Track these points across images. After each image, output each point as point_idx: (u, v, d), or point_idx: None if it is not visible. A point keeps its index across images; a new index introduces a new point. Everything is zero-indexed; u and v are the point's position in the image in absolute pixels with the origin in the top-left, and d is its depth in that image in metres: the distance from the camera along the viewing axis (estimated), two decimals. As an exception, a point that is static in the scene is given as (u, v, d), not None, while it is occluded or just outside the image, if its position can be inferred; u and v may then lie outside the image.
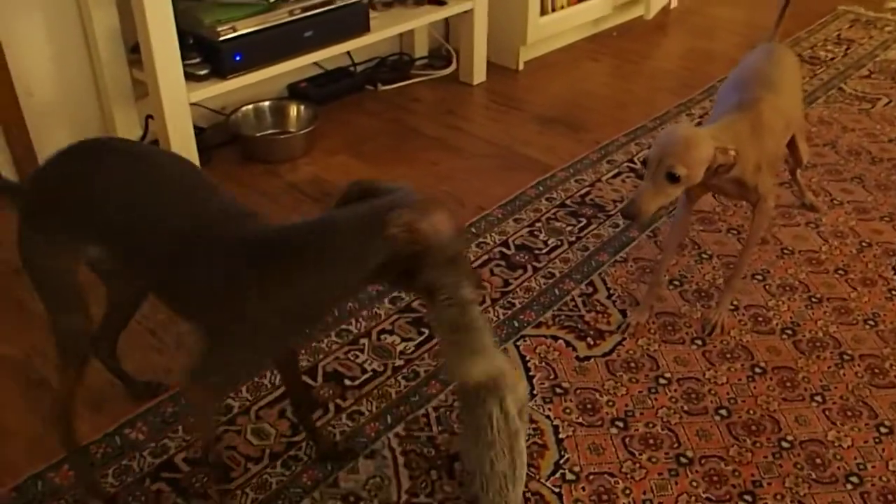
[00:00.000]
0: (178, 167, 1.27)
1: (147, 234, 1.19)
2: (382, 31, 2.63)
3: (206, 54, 2.23)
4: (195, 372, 1.24)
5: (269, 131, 2.61)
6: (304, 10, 2.37)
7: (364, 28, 2.55)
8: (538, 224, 2.19)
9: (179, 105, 2.14)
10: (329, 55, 2.51)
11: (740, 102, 1.74)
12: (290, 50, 2.37)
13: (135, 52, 2.21)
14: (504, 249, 2.08)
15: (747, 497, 1.45)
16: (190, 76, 2.19)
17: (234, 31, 2.22)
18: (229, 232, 1.18)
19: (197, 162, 2.24)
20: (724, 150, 1.54)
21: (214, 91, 2.23)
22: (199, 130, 2.36)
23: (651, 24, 3.66)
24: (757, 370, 1.73)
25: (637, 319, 1.83)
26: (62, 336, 1.31)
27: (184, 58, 2.14)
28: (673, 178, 1.51)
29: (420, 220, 1.06)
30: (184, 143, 2.19)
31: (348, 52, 2.85)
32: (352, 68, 2.99)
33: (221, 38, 2.20)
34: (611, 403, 1.63)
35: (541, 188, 2.36)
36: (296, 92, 2.83)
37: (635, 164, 2.49)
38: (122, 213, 1.19)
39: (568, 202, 2.29)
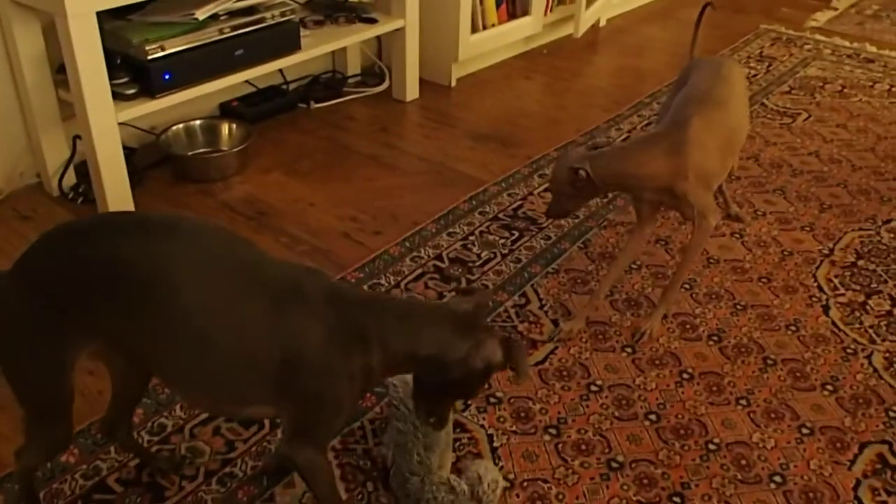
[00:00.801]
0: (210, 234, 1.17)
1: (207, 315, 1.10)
2: (314, 50, 2.64)
3: (134, 74, 2.21)
4: (306, 448, 1.21)
5: (201, 150, 2.59)
6: (234, 28, 2.37)
7: (295, 46, 2.56)
8: (471, 237, 2.21)
9: (107, 125, 2.12)
10: (260, 73, 2.51)
11: (671, 120, 1.81)
12: (221, 68, 2.36)
13: (61, 72, 2.18)
14: (438, 263, 2.10)
15: (676, 499, 1.48)
16: (118, 96, 2.16)
17: (163, 49, 2.21)
18: (296, 300, 1.14)
19: (126, 182, 2.21)
20: (573, 170, 1.76)
21: (143, 111, 2.21)
22: (129, 151, 2.34)
23: (581, 43, 3.74)
24: (685, 376, 1.77)
25: (571, 327, 1.87)
26: (40, 442, 1.22)
27: (112, 77, 2.12)
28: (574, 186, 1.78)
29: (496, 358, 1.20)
30: (113, 164, 2.16)
31: (280, 71, 2.86)
32: (284, 86, 2.99)
33: (150, 58, 2.18)
34: (544, 411, 1.65)
35: (474, 202, 2.39)
36: (228, 111, 2.82)
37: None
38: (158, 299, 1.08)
39: (500, 216, 2.32)
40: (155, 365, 1.18)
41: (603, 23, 4.01)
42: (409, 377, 1.48)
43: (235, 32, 2.38)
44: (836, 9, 4.41)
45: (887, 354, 1.87)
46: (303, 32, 2.64)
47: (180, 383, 1.18)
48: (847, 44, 3.86)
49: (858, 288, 2.09)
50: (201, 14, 2.27)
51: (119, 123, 2.15)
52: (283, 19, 2.49)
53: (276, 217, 2.31)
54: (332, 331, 1.14)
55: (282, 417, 1.24)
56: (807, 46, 3.82)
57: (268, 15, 2.45)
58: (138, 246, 1.09)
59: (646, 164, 1.76)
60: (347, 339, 1.15)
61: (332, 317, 1.14)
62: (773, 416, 1.68)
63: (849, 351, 1.87)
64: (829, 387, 1.76)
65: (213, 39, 2.33)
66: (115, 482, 1.46)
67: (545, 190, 2.47)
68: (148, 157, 2.52)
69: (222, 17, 2.37)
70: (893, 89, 3.36)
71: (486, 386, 1.51)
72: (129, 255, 1.09)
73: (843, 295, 2.06)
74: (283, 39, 2.53)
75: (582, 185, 1.77)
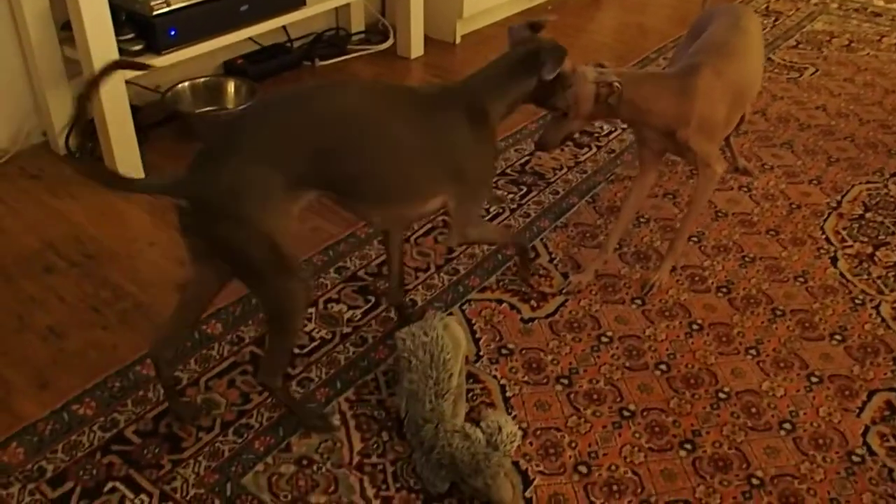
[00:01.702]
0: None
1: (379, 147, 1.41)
2: (318, 6, 2.62)
3: (139, 30, 2.19)
4: (470, 229, 1.60)
5: (208, 108, 2.58)
6: (240, -17, 2.35)
7: (299, 2, 2.54)
8: (480, 193, 2.22)
9: (114, 83, 2.11)
10: (265, 30, 2.49)
11: (684, 66, 1.80)
12: (226, 25, 2.35)
13: (66, 29, 2.17)
14: (447, 217, 2.10)
15: (687, 446, 1.50)
16: (124, 52, 2.15)
17: (168, 5, 2.19)
18: (448, 105, 1.50)
19: (134, 140, 2.21)
20: (607, 84, 1.70)
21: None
22: (134, 109, 2.32)
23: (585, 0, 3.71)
24: (694, 327, 1.79)
25: (580, 280, 1.88)
26: (294, 309, 1.38)
27: (117, 34, 2.11)
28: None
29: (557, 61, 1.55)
30: (120, 122, 2.16)
31: (284, 28, 2.84)
32: (288, 44, 2.97)
33: (155, 13, 2.16)
34: (555, 362, 1.67)
35: (482, 159, 2.39)
36: (232, 69, 2.80)
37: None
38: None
39: (508, 171, 2.32)
40: (359, 195, 1.44)
41: (608, -22, 3.97)
42: (416, 329, 1.53)
43: (240, -13, 2.36)
44: None
45: (895, 304, 1.88)
46: (307, -12, 2.61)
47: (379, 202, 1.47)
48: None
49: (866, 240, 2.10)
50: (206, -31, 2.25)
51: (125, 80, 2.14)
52: (287, -26, 2.47)
53: (284, 174, 2.30)
54: (468, 119, 1.50)
55: (451, 203, 1.54)
56: (813, 1, 3.78)
57: (272, -30, 2.43)
58: (333, 102, 1.39)
59: (652, 99, 1.74)
60: (477, 120, 1.51)
61: (464, 110, 1.50)
62: (781, 365, 1.70)
63: (857, 301, 1.88)
64: (838, 336, 1.78)
65: (218, -5, 2.31)
66: (132, 433, 1.48)
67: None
68: (153, 115, 2.51)
69: (227, -28, 2.34)
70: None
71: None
72: (332, 111, 1.38)
73: (850, 247, 2.07)
74: (287, -6, 2.51)
75: (612, 99, 1.71)
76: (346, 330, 1.73)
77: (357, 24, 3.17)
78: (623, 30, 3.45)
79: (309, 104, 1.36)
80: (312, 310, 1.78)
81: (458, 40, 3.21)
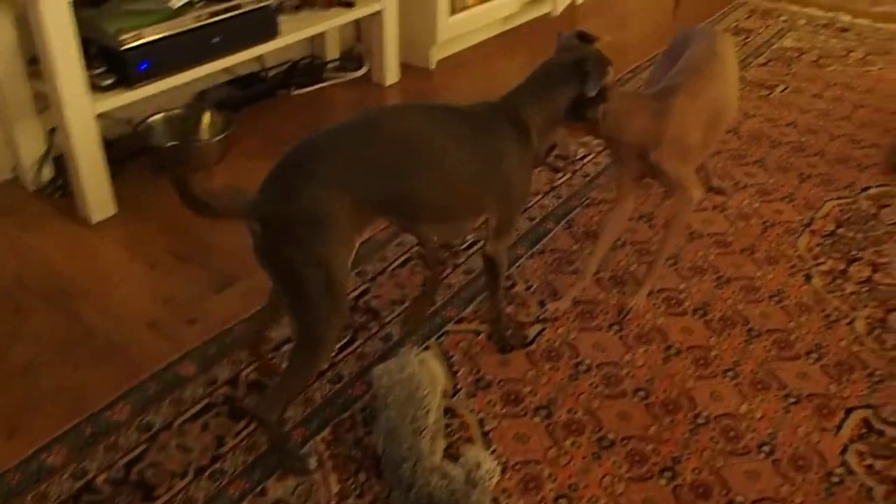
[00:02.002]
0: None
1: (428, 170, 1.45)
2: (291, 35, 2.62)
3: (111, 63, 2.19)
4: (508, 232, 1.62)
5: (179, 140, 2.57)
6: (211, 15, 2.34)
7: (273, 32, 2.54)
8: (456, 221, 2.22)
9: (84, 117, 2.10)
10: (238, 61, 2.48)
11: (661, 87, 1.81)
12: (199, 57, 2.34)
13: (35, 63, 2.15)
14: (423, 249, 2.10)
15: (667, 473, 1.50)
16: (95, 87, 2.14)
17: (140, 38, 2.18)
18: (495, 124, 1.54)
19: (105, 174, 2.19)
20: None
21: (121, 101, 2.18)
22: (107, 142, 2.31)
23: (559, 20, 3.72)
24: (672, 351, 1.79)
25: (557, 307, 1.88)
26: (330, 340, 1.41)
27: (88, 68, 2.10)
28: None
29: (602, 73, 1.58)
30: (90, 156, 2.15)
31: (259, 57, 2.83)
32: (264, 73, 2.97)
33: (126, 47, 2.15)
34: (533, 393, 1.67)
35: (457, 185, 2.39)
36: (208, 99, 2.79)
37: (549, 158, 2.54)
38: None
39: (484, 198, 2.32)
40: (420, 216, 1.50)
41: (580, 0, 4.00)
42: (392, 365, 1.53)
43: (212, 20, 2.35)
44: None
45: (869, 320, 1.89)
46: (280, 18, 2.61)
47: (438, 221, 1.53)
48: (821, 13, 3.88)
49: (839, 256, 2.11)
50: (176, 2, 2.25)
51: (96, 115, 2.13)
52: (259, 5, 2.46)
53: (259, 206, 2.29)
54: (513, 137, 1.54)
55: (492, 220, 1.58)
56: (782, 18, 3.83)
57: (244, 1, 2.43)
58: (399, 127, 1.44)
59: (629, 117, 1.75)
60: (520, 137, 1.55)
61: (509, 129, 1.54)
62: (759, 386, 1.70)
63: (831, 318, 1.89)
64: (814, 355, 1.79)
65: (190, 27, 2.30)
66: (103, 482, 1.46)
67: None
68: (127, 148, 2.50)
69: (198, 4, 2.34)
70: (868, 57, 3.38)
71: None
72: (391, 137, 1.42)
73: (824, 263, 2.08)
74: (260, 26, 2.50)
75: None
76: (323, 366, 1.72)
77: (332, 51, 3.18)
78: (599, 49, 3.46)
79: (378, 129, 1.42)
80: (287, 346, 1.76)
81: (433, 66, 3.23)
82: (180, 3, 2.25)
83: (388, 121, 1.45)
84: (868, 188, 2.42)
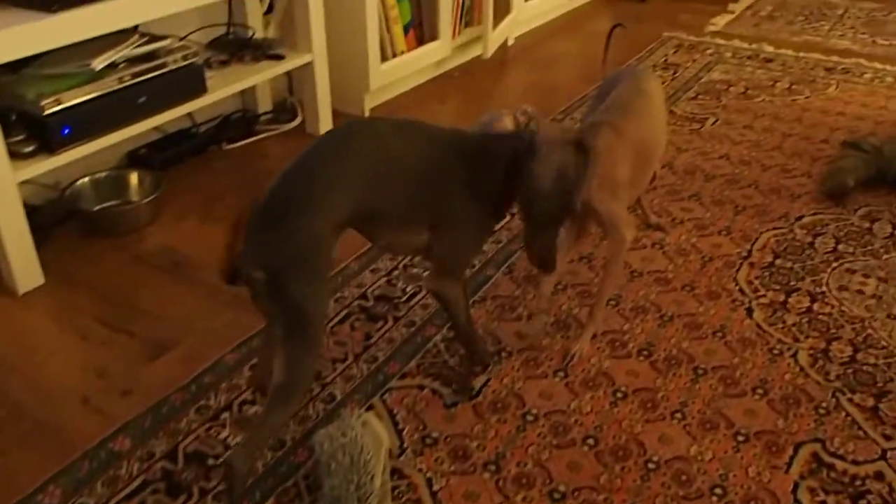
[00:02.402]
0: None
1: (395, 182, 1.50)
2: (220, 91, 2.58)
3: (31, 130, 2.12)
4: (452, 271, 1.62)
5: (110, 203, 2.50)
6: (135, 76, 2.29)
7: (200, 89, 2.50)
8: (395, 272, 2.18)
9: (5, 186, 2.02)
10: (166, 120, 2.43)
11: (586, 125, 1.83)
12: (123, 118, 2.29)
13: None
14: (363, 302, 2.06)
15: (621, 524, 1.48)
16: (15, 154, 2.07)
17: (60, 103, 2.12)
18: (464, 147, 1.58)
19: (30, 242, 2.12)
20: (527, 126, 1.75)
21: (44, 168, 2.12)
22: (32, 209, 2.24)
23: (491, 63, 3.76)
24: (619, 395, 1.77)
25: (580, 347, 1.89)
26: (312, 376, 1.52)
27: (7, 135, 2.03)
28: None
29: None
30: (14, 226, 2.07)
31: (189, 114, 2.79)
32: (194, 129, 2.92)
33: (46, 113, 2.09)
34: (481, 447, 1.63)
35: (396, 235, 2.36)
36: (136, 159, 2.73)
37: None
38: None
39: (424, 247, 2.30)
40: (380, 223, 1.55)
41: (511, 41, 4.04)
42: (333, 430, 1.48)
43: (136, 80, 2.30)
44: (732, 12, 4.54)
45: (811, 351, 1.90)
46: (208, 74, 2.58)
47: (390, 229, 1.57)
48: (746, 45, 3.97)
49: (778, 287, 2.13)
50: (98, 63, 2.20)
51: (18, 183, 2.06)
52: (185, 63, 2.43)
53: (194, 267, 2.24)
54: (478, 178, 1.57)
55: (433, 251, 1.60)
56: (708, 51, 3.91)
57: (169, 59, 2.39)
58: (368, 144, 1.48)
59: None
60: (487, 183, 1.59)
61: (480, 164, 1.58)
62: (708, 426, 1.69)
63: (775, 352, 1.90)
64: (760, 390, 1.78)
65: (113, 89, 2.25)
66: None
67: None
68: (53, 214, 2.42)
69: (121, 66, 2.29)
70: (793, 87, 3.46)
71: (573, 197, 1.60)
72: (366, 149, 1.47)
73: (764, 296, 2.10)
74: (187, 83, 2.46)
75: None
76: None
77: (264, 104, 3.14)
78: (531, 90, 3.50)
79: (347, 149, 1.45)
80: (226, 415, 1.70)
81: (367, 113, 3.21)
82: (102, 65, 2.20)
83: (358, 138, 1.48)
84: (802, 217, 2.46)
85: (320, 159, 1.43)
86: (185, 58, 2.42)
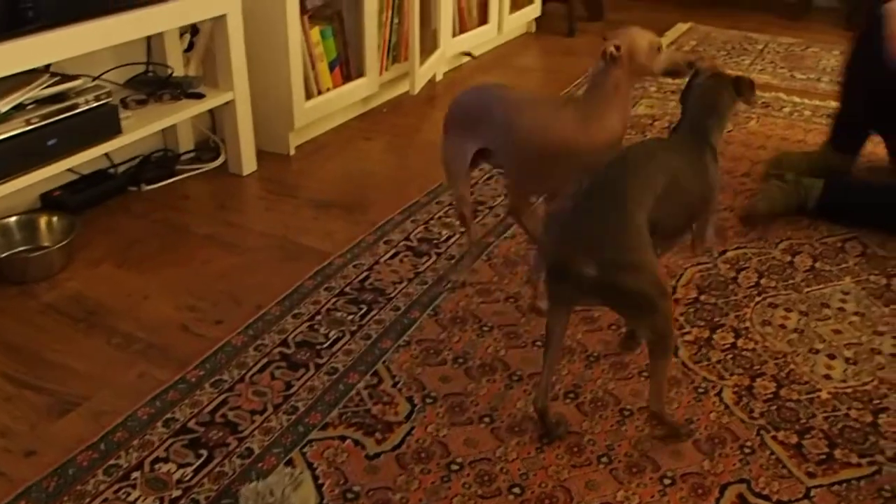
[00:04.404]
0: None
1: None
2: (137, 132, 2.51)
3: (-69, 176, 2.03)
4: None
5: (20, 249, 2.39)
6: (44, 117, 2.21)
7: (115, 130, 2.42)
8: (318, 317, 2.13)
9: None
10: (78, 162, 2.35)
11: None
12: (32, 161, 2.20)
13: None
14: (284, 349, 2.00)
15: (546, 577, 1.44)
16: (-87, 201, 1.97)
17: (-38, 147, 2.03)
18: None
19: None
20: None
21: (-56, 215, 2.02)
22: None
23: (420, 98, 3.74)
24: (545, 440, 1.74)
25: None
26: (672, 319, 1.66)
27: None
28: None
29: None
30: (-88, 277, 1.96)
31: (107, 154, 2.70)
32: (112, 170, 2.83)
33: (-53, 157, 2.00)
34: (405, 500, 1.58)
35: (319, 278, 2.31)
36: (50, 201, 2.63)
37: (412, 242, 2.50)
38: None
39: (347, 289, 2.25)
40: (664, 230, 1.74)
41: (440, 77, 4.04)
42: (261, 487, 1.44)
43: (45, 122, 2.22)
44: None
45: (736, 388, 1.90)
46: (124, 114, 2.51)
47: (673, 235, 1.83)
48: (670, 80, 4.02)
49: (703, 324, 2.14)
50: (3, 106, 2.12)
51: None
52: (98, 103, 2.35)
53: (108, 315, 2.15)
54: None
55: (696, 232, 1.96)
56: (635, 85, 3.95)
57: (80, 100, 2.31)
58: (662, 157, 1.76)
59: None
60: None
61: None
62: (634, 470, 1.67)
63: (700, 390, 1.89)
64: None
65: (21, 131, 2.16)
66: None
67: (392, 257, 2.42)
68: (-41, 263, 2.31)
69: (29, 107, 2.21)
70: (717, 121, 3.51)
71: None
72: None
73: (689, 333, 2.10)
74: (100, 124, 2.39)
75: None
76: (176, 493, 1.58)
77: (186, 143, 3.07)
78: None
79: (650, 159, 1.70)
80: (137, 474, 1.62)
81: (292, 151, 3.16)
82: (7, 107, 2.12)
83: (656, 152, 1.76)
84: (725, 252, 2.48)
85: (634, 163, 1.69)
86: (97, 98, 2.34)
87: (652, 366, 1.67)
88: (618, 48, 1.92)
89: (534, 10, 4.88)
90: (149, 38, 2.81)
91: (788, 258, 2.45)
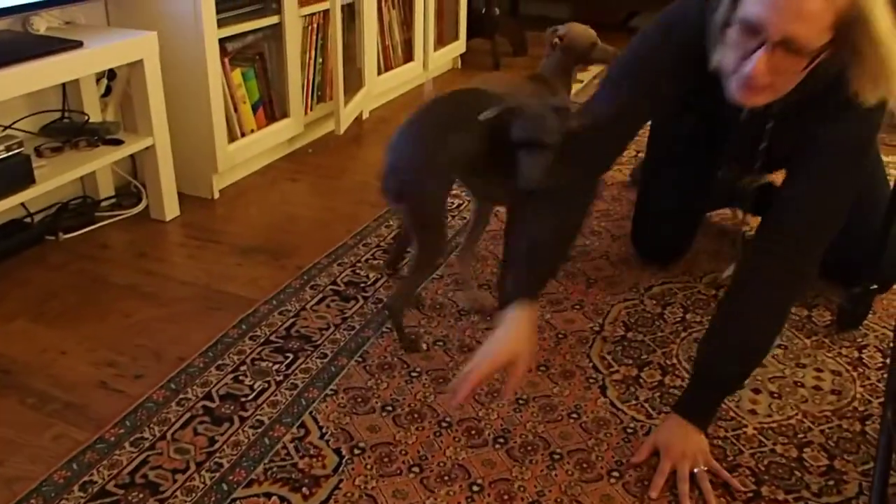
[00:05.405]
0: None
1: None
2: (52, 180, 2.43)
3: None
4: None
5: (-73, 305, 2.30)
6: (-50, 169, 2.13)
7: (28, 181, 2.35)
8: (243, 367, 2.08)
9: None
10: (-11, 214, 2.27)
11: None
12: (-62, 215, 2.12)
13: None
14: (207, 403, 1.95)
15: None
16: None
17: None
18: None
19: None
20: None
21: None
22: None
23: (346, 138, 3.73)
24: (475, 488, 1.72)
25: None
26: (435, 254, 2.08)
27: None
28: None
29: None
30: None
31: (22, 203, 2.61)
32: (28, 219, 2.74)
33: None
34: (332, 560, 1.54)
35: (244, 326, 2.26)
36: (-40, 254, 2.53)
37: (339, 286, 2.47)
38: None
39: (273, 338, 2.21)
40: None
41: (366, 115, 4.04)
42: None
43: (-48, 173, 2.14)
44: (581, 81, 4.71)
45: (664, 427, 1.91)
46: (38, 163, 2.44)
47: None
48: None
49: (630, 362, 2.15)
50: None
51: None
52: (9, 154, 2.28)
53: (22, 374, 2.06)
54: None
55: None
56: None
57: (-11, 151, 2.24)
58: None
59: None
60: None
61: None
62: (565, 515, 1.66)
63: (629, 430, 1.90)
64: (616, 473, 1.77)
65: (-75, 184, 2.08)
66: None
67: (318, 302, 2.38)
68: None
69: (-66, 159, 2.13)
70: (640, 154, 3.58)
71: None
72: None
73: (617, 371, 2.11)
74: (12, 175, 2.31)
75: None
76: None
77: (106, 189, 2.99)
78: (385, 165, 3.47)
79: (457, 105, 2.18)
80: None
81: (216, 195, 3.11)
82: (-90, 161, 2.03)
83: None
84: (651, 287, 2.52)
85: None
86: (8, 148, 2.27)
87: (408, 270, 2.04)
88: (561, 38, 2.67)
89: (459, 47, 4.93)
90: (64, 84, 2.74)
91: (713, 292, 2.49)
